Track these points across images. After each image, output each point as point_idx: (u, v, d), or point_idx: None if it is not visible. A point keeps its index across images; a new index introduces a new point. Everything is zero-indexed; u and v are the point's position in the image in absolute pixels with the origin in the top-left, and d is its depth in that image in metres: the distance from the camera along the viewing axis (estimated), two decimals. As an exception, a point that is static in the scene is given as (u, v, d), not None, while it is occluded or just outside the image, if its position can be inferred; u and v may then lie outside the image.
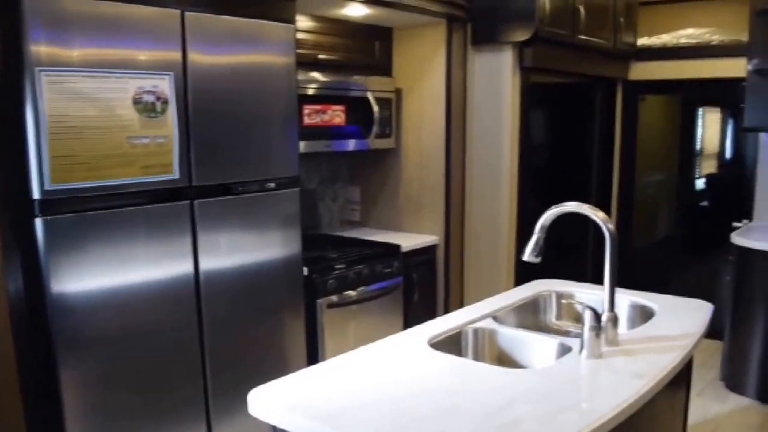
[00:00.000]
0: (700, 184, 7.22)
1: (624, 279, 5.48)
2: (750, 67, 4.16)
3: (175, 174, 2.63)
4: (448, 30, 3.99)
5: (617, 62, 5.04)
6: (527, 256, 2.17)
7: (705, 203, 7.15)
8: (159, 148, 2.57)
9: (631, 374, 1.90)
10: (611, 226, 2.06)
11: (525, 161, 4.21)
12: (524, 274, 3.33)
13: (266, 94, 2.96)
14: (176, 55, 2.59)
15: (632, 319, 2.62)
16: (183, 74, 2.61)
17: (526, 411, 1.67)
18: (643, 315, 2.56)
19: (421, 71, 4.12)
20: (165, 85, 2.55)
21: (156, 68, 2.53)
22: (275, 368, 2.92)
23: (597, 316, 2.01)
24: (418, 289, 3.98)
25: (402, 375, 1.90)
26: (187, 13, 2.61)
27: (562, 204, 2.12)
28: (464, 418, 1.63)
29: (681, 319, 2.43)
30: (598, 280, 5.24)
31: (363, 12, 3.69)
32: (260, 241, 2.99)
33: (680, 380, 2.48)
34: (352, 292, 3.55)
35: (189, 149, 2.67)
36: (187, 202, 2.69)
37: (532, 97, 4.25)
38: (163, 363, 2.66)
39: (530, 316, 2.71)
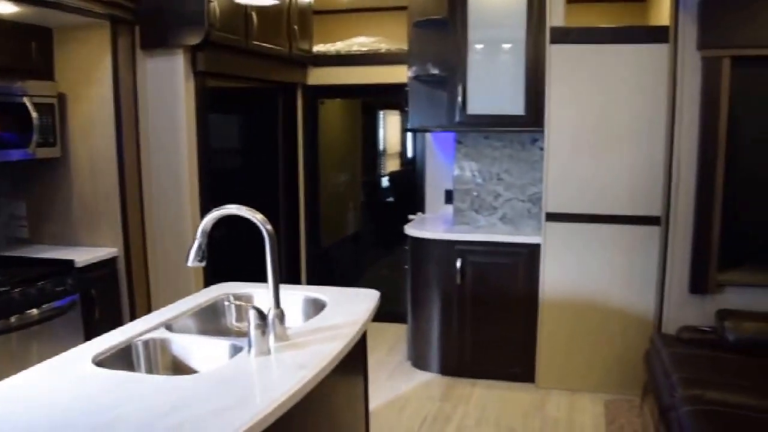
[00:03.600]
0: (384, 181, 7.81)
1: (315, 276, 5.73)
2: (410, 74, 4.58)
3: None
4: (113, 32, 3.79)
5: (295, 68, 5.22)
6: (191, 261, 2.15)
7: (390, 199, 7.76)
8: None
9: (296, 366, 1.99)
10: (269, 227, 2.13)
11: (207, 166, 4.19)
12: (216, 277, 3.29)
13: None
14: None
15: (307, 313, 2.74)
16: None
17: (191, 414, 1.67)
18: (317, 308, 2.68)
19: (88, 75, 3.88)
20: None
21: None
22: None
23: (262, 314, 2.06)
24: (99, 305, 3.75)
25: (62, 397, 1.80)
26: None
27: (222, 207, 2.14)
28: (125, 430, 1.59)
29: (349, 309, 2.60)
30: (291, 279, 5.39)
31: (10, 10, 3.34)
32: None
33: (354, 364, 2.65)
34: (19, 317, 3.24)
35: None
36: None
37: (212, 102, 4.25)
38: None
39: (211, 321, 2.71)
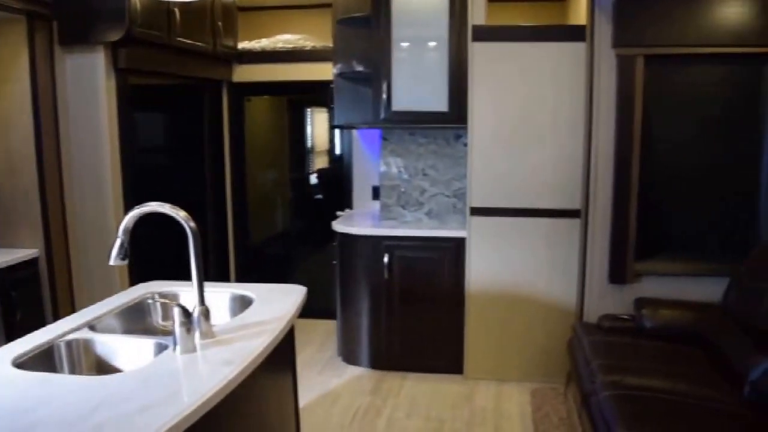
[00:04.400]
0: (313, 179, 7.79)
1: (244, 274, 5.68)
2: (335, 71, 4.60)
3: None
4: (29, 28, 3.67)
5: (220, 64, 5.17)
6: (113, 260, 2.12)
7: (319, 196, 7.73)
8: None
9: (222, 362, 2.00)
10: (192, 224, 2.12)
11: (132, 164, 4.12)
12: (142, 277, 3.22)
13: None
14: None
15: (234, 310, 2.74)
16: None
17: (114, 413, 1.65)
18: (244, 305, 2.68)
19: (4, 72, 3.75)
20: None
21: None
22: None
23: (186, 312, 2.05)
24: (21, 307, 3.64)
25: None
26: None
27: (144, 204, 2.12)
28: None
29: (276, 304, 2.61)
30: (220, 278, 5.33)
31: None
32: None
33: (282, 360, 2.66)
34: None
35: None
36: None
37: (136, 100, 4.17)
38: None
39: (136, 321, 2.67)
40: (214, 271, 5.37)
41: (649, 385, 2.98)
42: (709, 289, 3.73)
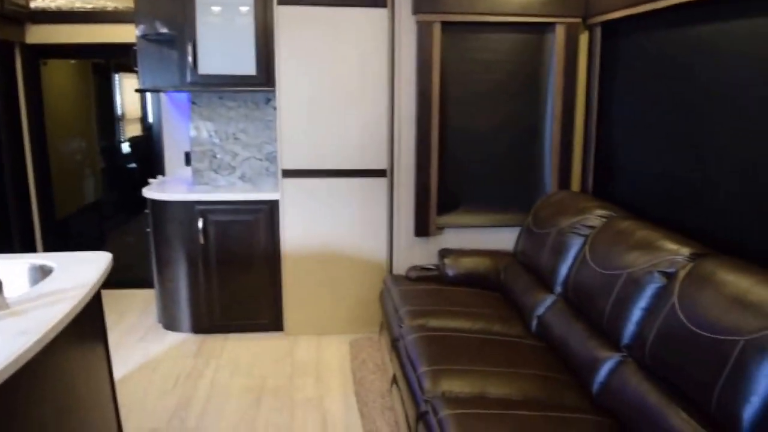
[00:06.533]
0: (125, 147, 7.50)
1: (53, 248, 5.40)
2: (138, 33, 4.45)
3: None
4: None
5: (10, 24, 4.78)
6: None
7: (132, 165, 7.48)
8: None
9: (17, 333, 1.94)
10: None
11: None
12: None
13: None
14: None
15: (35, 281, 2.64)
16: None
17: None
18: (44, 274, 2.59)
19: None
20: None
21: None
22: None
23: (-24, 283, 1.98)
24: None
25: None
26: None
27: None
28: None
29: (79, 272, 2.54)
30: (27, 251, 5.04)
31: None
32: None
33: (89, 329, 2.61)
34: None
35: None
36: None
37: None
38: None
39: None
40: (19, 246, 5.05)
41: (450, 326, 3.27)
42: (505, 238, 4.11)
